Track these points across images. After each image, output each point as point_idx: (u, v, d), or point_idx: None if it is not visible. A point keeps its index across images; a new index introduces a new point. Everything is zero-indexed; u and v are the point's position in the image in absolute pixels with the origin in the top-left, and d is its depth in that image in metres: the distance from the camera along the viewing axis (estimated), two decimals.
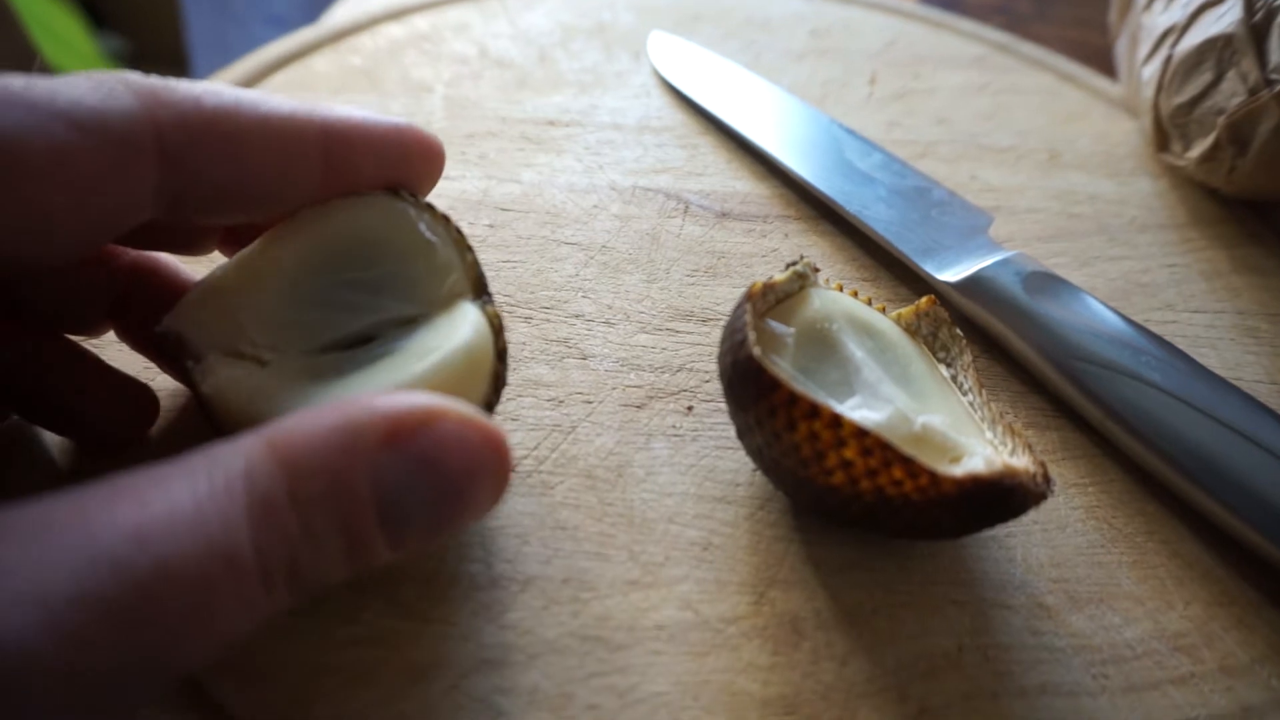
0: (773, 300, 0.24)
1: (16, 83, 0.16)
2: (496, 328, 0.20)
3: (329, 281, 0.21)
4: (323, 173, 0.20)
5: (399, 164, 0.21)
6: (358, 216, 0.21)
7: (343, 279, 0.21)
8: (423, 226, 0.21)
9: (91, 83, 0.17)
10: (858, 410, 0.21)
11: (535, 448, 0.24)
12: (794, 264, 0.24)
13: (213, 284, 0.21)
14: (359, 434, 0.15)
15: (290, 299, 0.21)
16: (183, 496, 0.14)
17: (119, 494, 0.14)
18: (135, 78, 0.18)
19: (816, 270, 0.25)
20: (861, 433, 0.19)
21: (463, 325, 0.20)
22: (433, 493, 0.16)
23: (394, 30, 0.41)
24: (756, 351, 0.20)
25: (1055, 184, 0.37)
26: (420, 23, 0.42)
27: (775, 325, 0.23)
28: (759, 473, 0.24)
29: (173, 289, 0.23)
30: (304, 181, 0.20)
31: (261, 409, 0.19)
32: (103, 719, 0.13)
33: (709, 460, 0.25)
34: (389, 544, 0.16)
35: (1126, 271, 0.33)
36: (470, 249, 0.21)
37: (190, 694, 0.19)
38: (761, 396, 0.20)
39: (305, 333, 0.21)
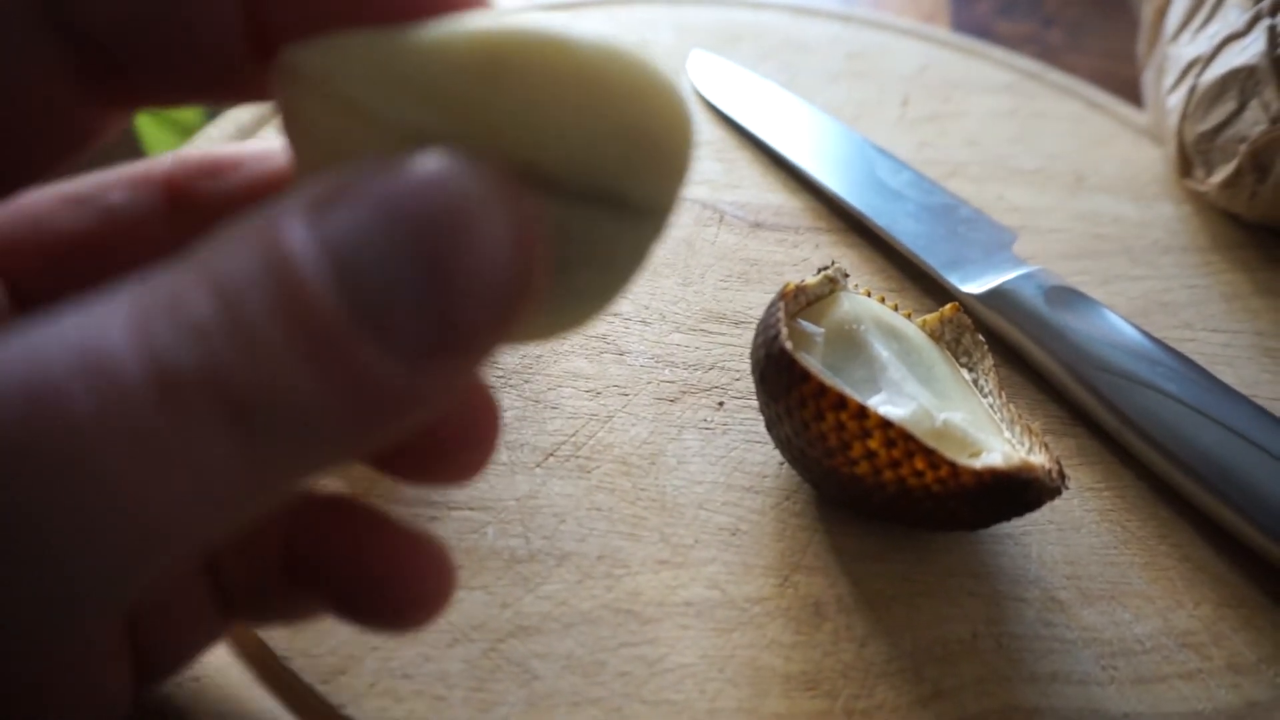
0: (804, 302, 0.25)
1: None
2: None
3: None
4: None
5: None
6: None
7: None
8: None
9: None
10: (883, 406, 0.23)
11: (573, 434, 0.26)
12: (825, 269, 0.26)
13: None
14: (279, 213, 0.11)
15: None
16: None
17: (66, 331, 0.11)
18: None
19: (846, 276, 0.26)
20: (886, 424, 0.21)
21: None
22: (408, 248, 0.11)
23: None
24: (789, 345, 0.22)
25: (1080, 206, 0.38)
26: None
27: (806, 325, 0.24)
28: (786, 465, 0.26)
29: None
30: None
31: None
32: None
33: (738, 452, 0.26)
34: (378, 343, 0.11)
35: (1147, 291, 0.34)
36: None
37: (250, 648, 0.21)
38: (792, 387, 0.21)
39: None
